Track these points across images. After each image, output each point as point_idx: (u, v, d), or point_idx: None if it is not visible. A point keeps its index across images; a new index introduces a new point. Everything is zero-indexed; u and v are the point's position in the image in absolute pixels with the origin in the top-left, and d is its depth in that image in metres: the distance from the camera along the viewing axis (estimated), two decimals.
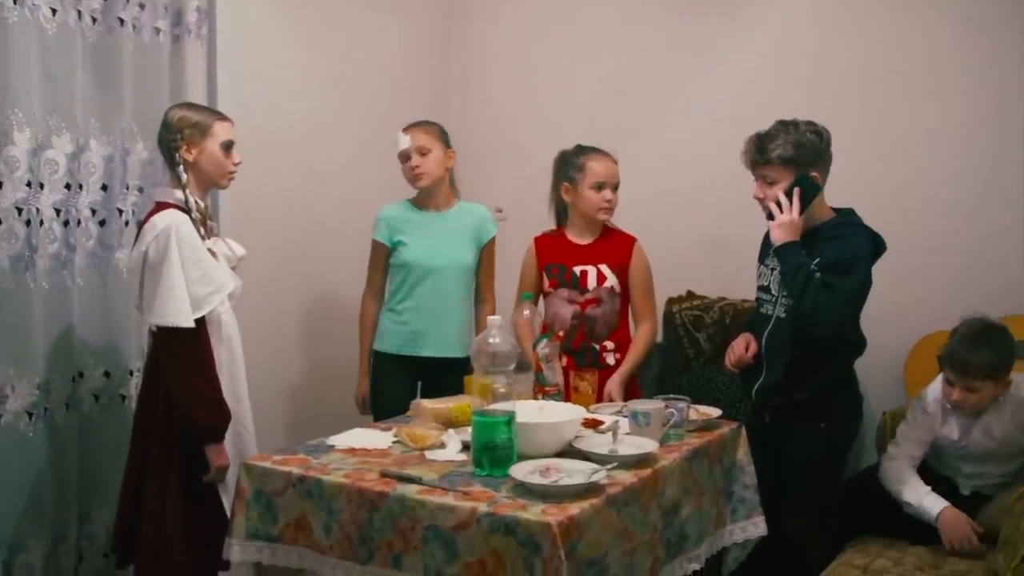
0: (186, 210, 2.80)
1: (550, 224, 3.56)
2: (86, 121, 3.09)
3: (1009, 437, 3.10)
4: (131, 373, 3.25)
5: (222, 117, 2.94)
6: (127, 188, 3.22)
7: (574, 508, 2.17)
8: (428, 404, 2.87)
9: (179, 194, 2.82)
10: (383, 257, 3.56)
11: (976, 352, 2.99)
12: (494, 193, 4.70)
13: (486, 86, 4.75)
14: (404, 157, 3.50)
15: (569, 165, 3.41)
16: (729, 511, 2.92)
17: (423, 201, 3.56)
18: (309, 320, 4.07)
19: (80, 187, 3.09)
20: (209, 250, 2.83)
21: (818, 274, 2.97)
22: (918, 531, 3.12)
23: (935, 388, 3.19)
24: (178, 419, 2.78)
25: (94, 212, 3.15)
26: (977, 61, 3.68)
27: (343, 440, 2.74)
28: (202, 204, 2.89)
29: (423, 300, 3.51)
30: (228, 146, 2.90)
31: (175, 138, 2.84)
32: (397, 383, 3.38)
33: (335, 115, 4.11)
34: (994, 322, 3.09)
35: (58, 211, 3.04)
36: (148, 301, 2.76)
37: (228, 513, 2.70)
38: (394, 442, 2.73)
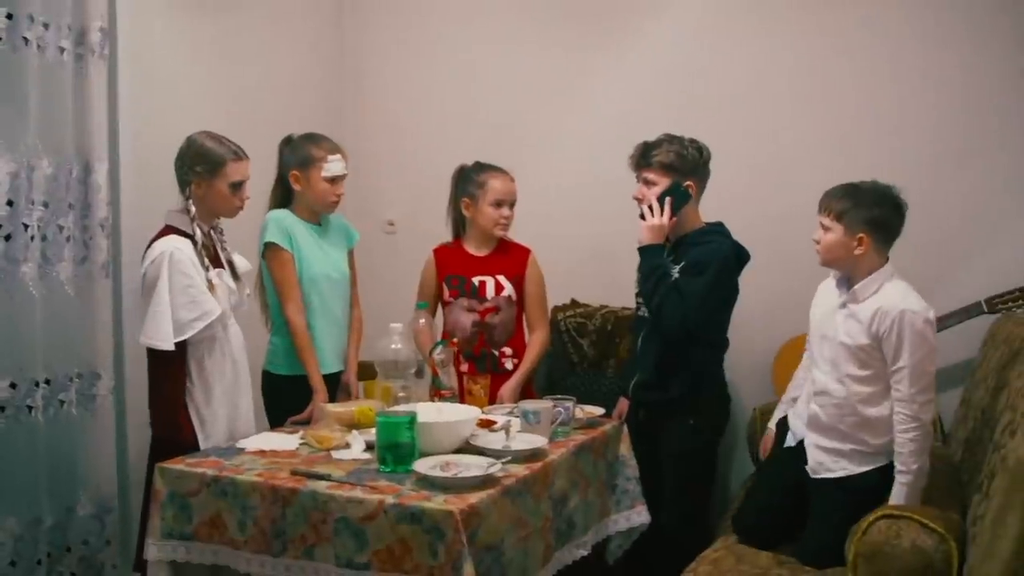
0: (192, 239, 3.01)
1: (443, 236, 3.70)
2: None
3: (868, 331, 2.84)
4: (37, 385, 3.27)
5: (237, 157, 3.13)
6: (32, 203, 3.25)
7: (473, 498, 2.38)
8: (331, 408, 3.05)
9: (186, 221, 3.04)
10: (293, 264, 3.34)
11: (836, 191, 2.92)
12: (386, 205, 4.81)
13: (378, 98, 4.82)
14: (333, 181, 3.37)
15: (469, 181, 3.56)
16: (613, 502, 3.16)
17: (309, 216, 3.43)
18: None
19: None
20: (209, 281, 3.00)
21: (676, 275, 3.23)
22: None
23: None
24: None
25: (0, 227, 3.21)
26: (847, 78, 3.89)
27: (252, 443, 2.89)
28: (206, 228, 3.11)
29: (329, 312, 3.43)
30: (237, 186, 3.11)
31: (187, 171, 3.08)
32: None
33: (233, 129, 4.14)
34: (884, 186, 2.90)
35: None
36: (141, 320, 2.98)
37: None
38: (300, 444, 2.89)
